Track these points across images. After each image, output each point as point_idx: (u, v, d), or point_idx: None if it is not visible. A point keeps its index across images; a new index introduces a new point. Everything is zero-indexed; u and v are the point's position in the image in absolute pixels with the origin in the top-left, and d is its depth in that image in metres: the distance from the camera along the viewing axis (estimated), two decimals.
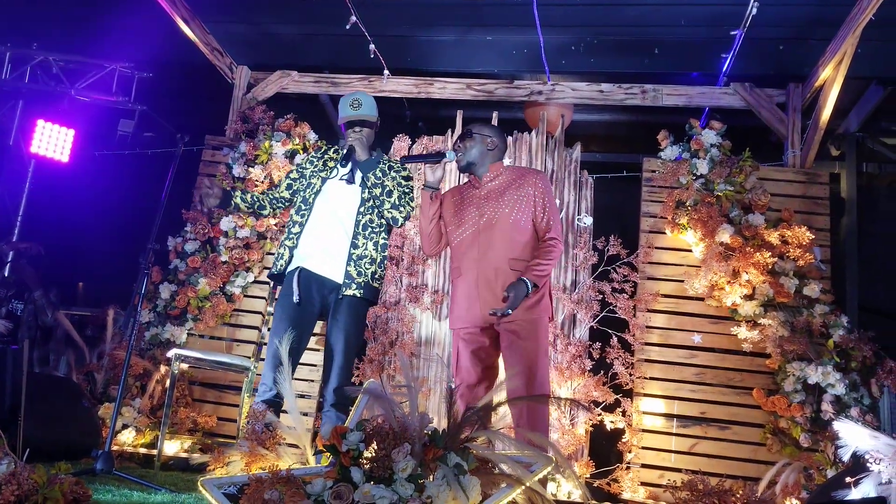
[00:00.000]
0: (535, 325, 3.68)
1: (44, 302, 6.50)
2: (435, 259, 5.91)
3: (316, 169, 4.21)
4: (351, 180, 4.10)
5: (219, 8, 6.17)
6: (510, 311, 3.50)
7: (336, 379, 3.91)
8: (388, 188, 4.05)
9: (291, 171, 4.34)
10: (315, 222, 4.07)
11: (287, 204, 4.36)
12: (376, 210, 4.09)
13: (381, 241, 4.12)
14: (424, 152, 3.92)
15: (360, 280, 3.98)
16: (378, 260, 4.08)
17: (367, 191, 4.07)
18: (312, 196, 4.11)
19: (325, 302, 4.02)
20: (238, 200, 4.34)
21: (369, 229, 4.06)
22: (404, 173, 4.19)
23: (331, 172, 4.17)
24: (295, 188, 4.28)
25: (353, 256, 3.99)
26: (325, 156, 4.28)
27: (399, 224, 4.13)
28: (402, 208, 4.08)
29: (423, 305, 5.80)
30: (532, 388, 3.57)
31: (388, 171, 4.11)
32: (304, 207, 4.13)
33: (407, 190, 4.14)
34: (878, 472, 2.61)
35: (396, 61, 6.47)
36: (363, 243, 4.02)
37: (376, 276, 4.07)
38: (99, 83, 7.70)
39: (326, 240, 4.03)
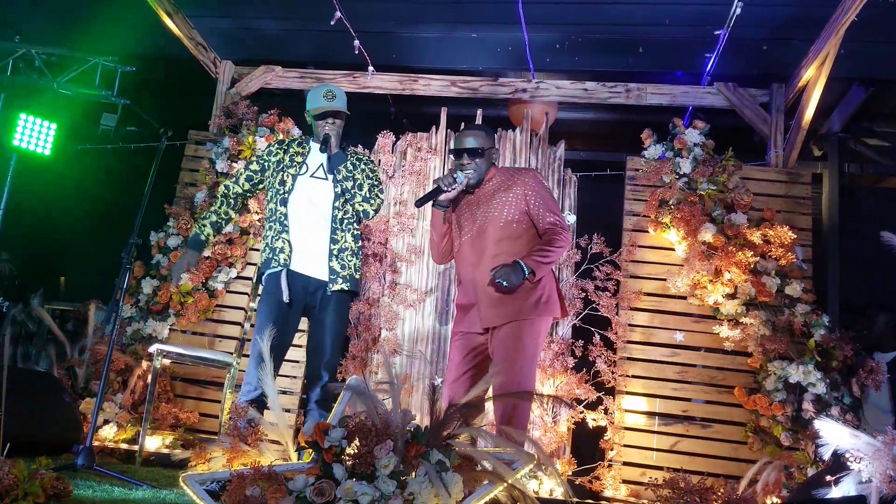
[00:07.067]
0: (532, 325, 3.63)
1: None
2: (419, 256, 5.90)
3: (283, 165, 4.15)
4: (330, 171, 4.08)
5: (203, 2, 6.14)
6: (504, 283, 3.48)
7: (327, 376, 3.92)
8: (358, 181, 4.06)
9: (251, 164, 4.26)
10: (295, 220, 4.04)
11: (249, 196, 4.32)
12: (349, 203, 4.09)
13: (356, 232, 4.13)
14: (433, 187, 3.79)
15: (345, 273, 3.99)
16: (356, 251, 4.10)
17: (338, 184, 4.07)
18: (286, 194, 4.07)
19: (310, 301, 4.02)
20: (209, 231, 4.22)
21: (345, 221, 4.07)
22: (371, 165, 4.21)
23: (300, 168, 4.14)
24: (256, 180, 4.24)
25: (334, 251, 4.00)
26: (290, 149, 4.22)
27: (370, 217, 4.14)
28: (372, 201, 4.10)
29: (407, 302, 5.80)
30: (516, 386, 3.56)
31: (357, 164, 4.12)
32: (279, 205, 4.08)
33: (376, 182, 4.16)
34: (859, 471, 2.63)
35: (381, 57, 6.45)
36: (342, 236, 4.04)
37: (357, 268, 4.08)
38: (82, 77, 7.67)
39: (307, 238, 4.02)
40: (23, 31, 7.48)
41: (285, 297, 3.93)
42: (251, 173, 4.23)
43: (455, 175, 3.71)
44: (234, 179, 4.27)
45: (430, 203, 3.81)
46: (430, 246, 4.03)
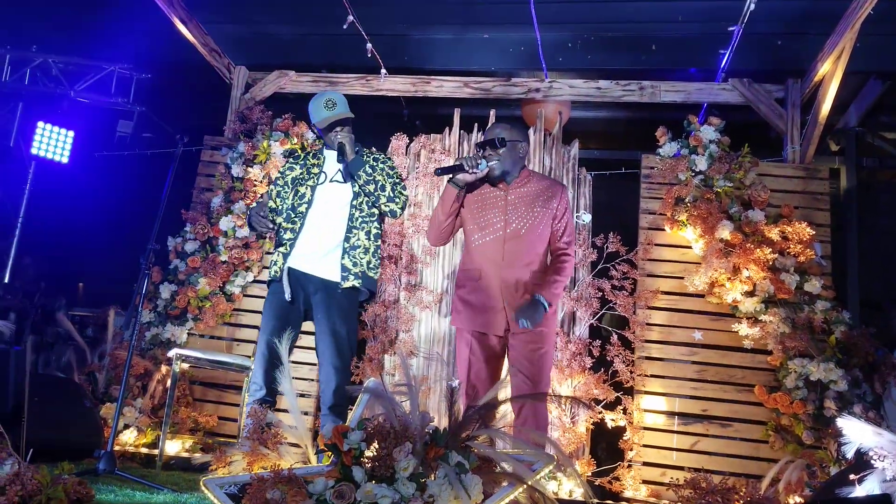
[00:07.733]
0: (547, 336, 3.75)
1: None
2: (434, 258, 5.90)
3: (301, 177, 4.20)
4: (346, 178, 4.10)
5: (216, 8, 6.17)
6: (530, 326, 3.55)
7: (336, 379, 3.90)
8: (380, 182, 4.07)
9: (278, 180, 4.31)
10: (309, 229, 4.07)
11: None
12: (374, 206, 4.10)
13: (374, 231, 4.13)
14: (455, 163, 3.79)
15: (357, 270, 3.99)
16: (371, 249, 4.09)
17: (360, 188, 4.08)
18: (305, 206, 4.10)
19: (310, 301, 4.04)
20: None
21: (360, 219, 4.08)
22: (390, 163, 4.24)
23: (318, 179, 4.16)
24: (282, 195, 4.26)
25: (347, 248, 4.01)
26: (307, 162, 4.27)
27: (397, 216, 4.15)
28: (397, 199, 4.11)
29: (423, 304, 5.80)
30: (545, 389, 3.67)
31: (376, 165, 4.13)
32: (293, 215, 4.12)
33: (398, 180, 4.17)
34: (883, 469, 2.60)
35: (393, 60, 6.46)
36: (356, 234, 4.05)
37: (371, 266, 4.08)
38: (98, 84, 7.71)
39: (320, 242, 4.04)
40: (39, 40, 7.53)
41: (287, 296, 3.98)
42: (279, 189, 4.28)
43: (479, 161, 3.69)
44: (268, 195, 4.32)
45: (447, 178, 3.79)
46: (430, 223, 3.95)
